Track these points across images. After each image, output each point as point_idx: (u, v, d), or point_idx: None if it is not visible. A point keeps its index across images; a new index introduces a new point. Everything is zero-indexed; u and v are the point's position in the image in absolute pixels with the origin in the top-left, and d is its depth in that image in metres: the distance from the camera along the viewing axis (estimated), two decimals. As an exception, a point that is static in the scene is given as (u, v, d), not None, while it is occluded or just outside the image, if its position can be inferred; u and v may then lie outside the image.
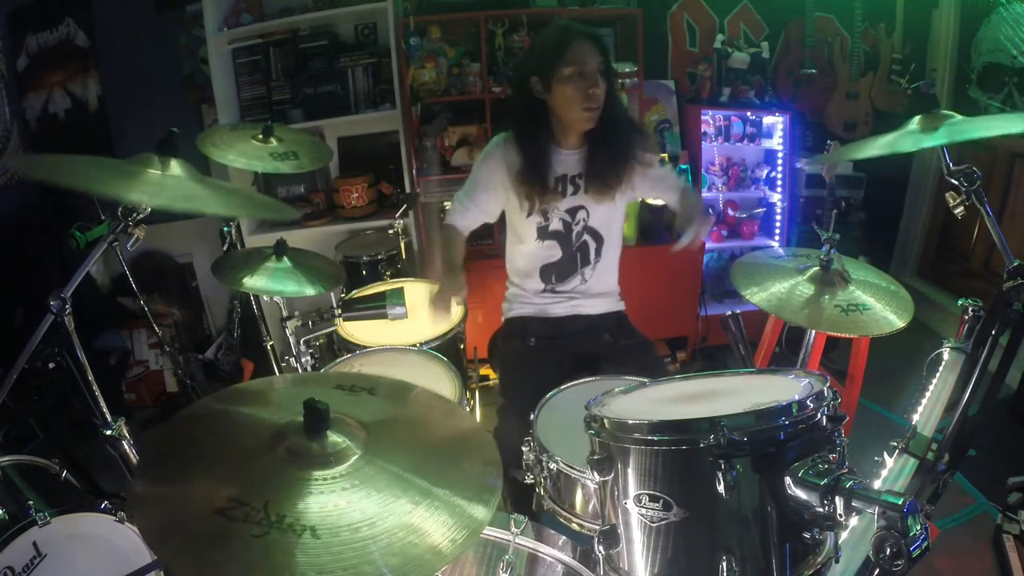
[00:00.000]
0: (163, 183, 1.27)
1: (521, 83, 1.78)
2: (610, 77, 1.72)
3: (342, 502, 0.71)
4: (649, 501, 0.88)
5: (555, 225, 1.85)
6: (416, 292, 2.14)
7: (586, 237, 1.88)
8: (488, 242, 3.09)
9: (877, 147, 1.37)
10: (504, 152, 1.82)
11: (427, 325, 1.90)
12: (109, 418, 1.40)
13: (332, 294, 1.79)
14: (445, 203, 3.13)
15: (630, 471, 0.91)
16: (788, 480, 0.82)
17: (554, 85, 1.69)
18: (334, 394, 0.93)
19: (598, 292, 1.93)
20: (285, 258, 1.70)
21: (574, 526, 1.25)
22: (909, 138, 1.32)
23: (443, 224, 1.93)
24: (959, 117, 1.32)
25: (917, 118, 1.34)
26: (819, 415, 0.86)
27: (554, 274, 1.91)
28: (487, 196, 1.85)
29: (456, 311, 2.00)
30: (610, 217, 1.89)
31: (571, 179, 1.82)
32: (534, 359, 1.82)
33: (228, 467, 0.76)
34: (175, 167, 1.32)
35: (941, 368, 1.39)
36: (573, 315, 1.91)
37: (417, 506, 0.72)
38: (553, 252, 1.88)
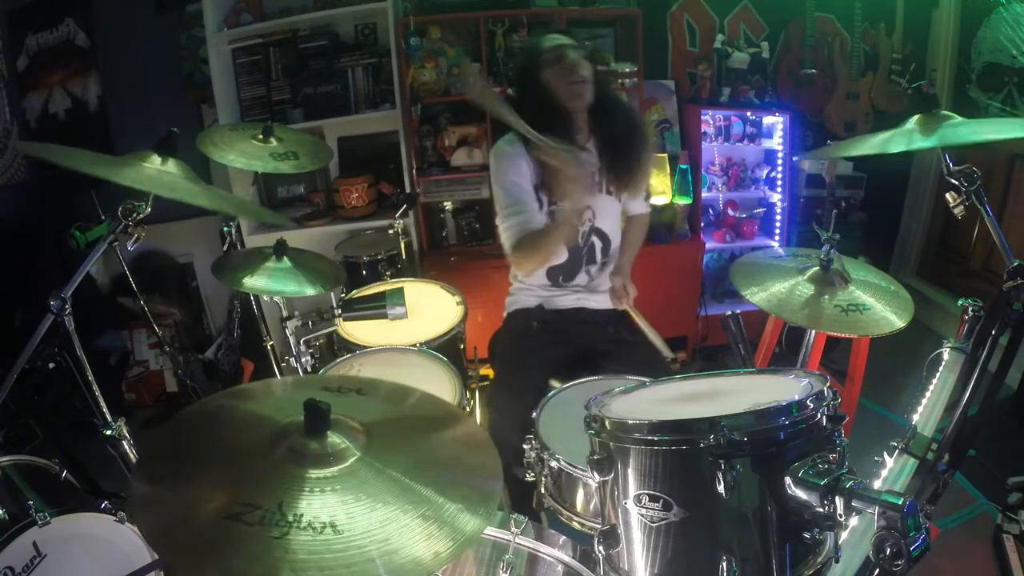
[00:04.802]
0: (159, 177, 1.29)
1: (522, 86, 1.85)
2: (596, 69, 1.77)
3: (339, 503, 0.71)
4: (649, 501, 0.88)
5: None
6: (416, 292, 2.14)
7: (593, 239, 1.90)
8: (488, 242, 3.09)
9: (872, 145, 1.37)
10: (520, 148, 1.79)
11: (427, 325, 1.90)
12: (109, 418, 1.40)
13: (332, 294, 1.79)
14: (445, 203, 3.14)
15: (630, 471, 0.91)
16: (788, 480, 0.82)
17: (544, 73, 1.75)
18: (326, 396, 0.92)
19: (603, 289, 1.94)
20: (285, 258, 1.70)
21: (575, 525, 1.25)
22: (904, 138, 1.32)
23: (517, 244, 1.78)
24: (958, 119, 1.32)
25: (916, 117, 1.34)
26: (819, 415, 0.86)
27: (561, 274, 1.92)
28: (529, 186, 1.79)
29: (458, 310, 2.00)
30: (615, 217, 1.92)
31: None
32: (535, 345, 1.82)
33: (228, 467, 0.76)
34: (172, 165, 1.35)
35: (941, 368, 1.38)
36: (577, 308, 1.92)
37: (416, 507, 0.72)
38: (560, 254, 1.88)
